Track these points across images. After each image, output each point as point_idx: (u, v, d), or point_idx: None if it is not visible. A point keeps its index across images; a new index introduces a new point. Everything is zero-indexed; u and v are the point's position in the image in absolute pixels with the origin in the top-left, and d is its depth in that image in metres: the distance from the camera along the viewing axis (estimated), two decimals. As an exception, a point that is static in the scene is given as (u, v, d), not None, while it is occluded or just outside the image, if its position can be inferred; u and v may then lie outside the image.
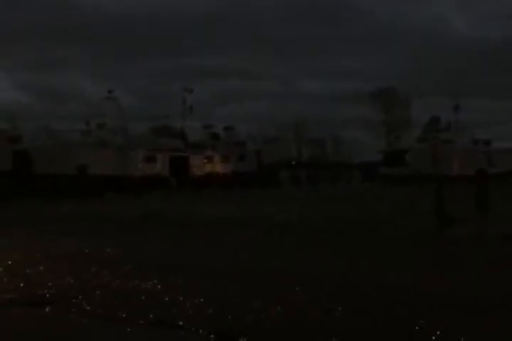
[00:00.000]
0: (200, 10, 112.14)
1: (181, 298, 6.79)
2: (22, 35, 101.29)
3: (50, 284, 7.78)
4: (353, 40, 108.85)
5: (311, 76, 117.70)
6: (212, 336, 5.39)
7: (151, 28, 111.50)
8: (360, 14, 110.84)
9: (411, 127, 76.77)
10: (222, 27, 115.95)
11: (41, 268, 9.17)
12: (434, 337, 5.17)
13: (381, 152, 61.14)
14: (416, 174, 48.93)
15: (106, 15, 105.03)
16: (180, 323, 5.77)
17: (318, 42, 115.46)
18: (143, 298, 6.95)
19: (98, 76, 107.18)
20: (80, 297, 7.00)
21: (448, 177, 33.36)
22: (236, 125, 63.95)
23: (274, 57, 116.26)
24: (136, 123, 50.67)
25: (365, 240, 13.07)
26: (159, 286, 7.60)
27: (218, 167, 55.40)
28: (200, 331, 5.52)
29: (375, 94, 78.39)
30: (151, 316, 6.03)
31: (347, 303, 6.41)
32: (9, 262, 9.80)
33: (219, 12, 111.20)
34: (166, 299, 6.83)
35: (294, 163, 71.70)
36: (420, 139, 59.38)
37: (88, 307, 6.52)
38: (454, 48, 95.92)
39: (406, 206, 22.07)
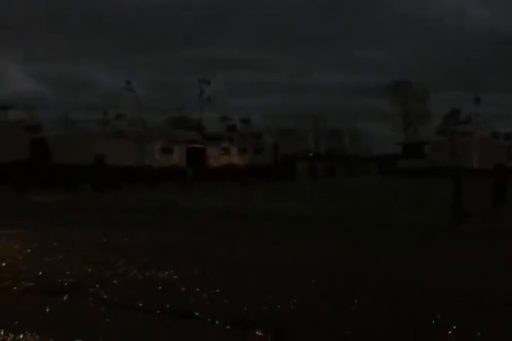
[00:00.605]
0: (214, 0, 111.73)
1: (197, 289, 6.82)
2: (36, 25, 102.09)
3: (68, 273, 7.86)
4: (370, 31, 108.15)
5: (327, 68, 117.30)
6: (227, 326, 5.42)
7: (165, 18, 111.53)
8: (377, 6, 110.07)
9: (429, 120, 76.31)
10: (237, 17, 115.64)
11: (59, 257, 9.26)
12: (450, 332, 5.14)
13: (399, 144, 60.83)
14: (434, 167, 48.61)
15: (120, 6, 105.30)
16: (196, 313, 5.80)
17: (333, 34, 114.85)
18: (159, 287, 6.99)
19: (112, 66, 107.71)
20: (98, 286, 7.06)
21: (467, 171, 33.01)
22: (251, 116, 63.92)
23: (289, 48, 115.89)
24: (150, 113, 50.74)
25: (377, 234, 13.00)
26: (175, 276, 7.64)
27: (235, 159, 55.45)
28: (216, 321, 5.55)
29: (392, 87, 77.93)
30: (168, 306, 6.06)
31: (356, 298, 6.39)
32: (28, 250, 9.92)
33: (234, 2, 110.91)
34: (183, 289, 6.86)
35: (311, 155, 71.60)
36: (439, 131, 58.99)
37: (105, 296, 6.58)
38: (475, 40, 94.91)
39: (422, 199, 21.93)
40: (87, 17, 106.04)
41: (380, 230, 13.66)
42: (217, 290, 6.73)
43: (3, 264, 8.60)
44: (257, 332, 5.20)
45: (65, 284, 7.24)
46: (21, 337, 4.98)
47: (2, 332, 5.07)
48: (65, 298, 6.62)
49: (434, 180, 37.35)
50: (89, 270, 8.12)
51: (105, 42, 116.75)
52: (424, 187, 32.66)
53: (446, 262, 9.25)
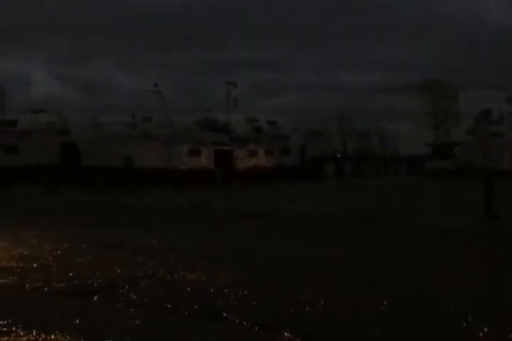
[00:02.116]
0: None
1: (226, 290, 6.83)
2: (56, 26, 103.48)
3: (97, 274, 7.94)
4: (395, 29, 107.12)
5: (352, 67, 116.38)
6: (256, 328, 5.41)
7: (186, 19, 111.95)
8: (404, 3, 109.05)
9: (460, 120, 75.22)
10: (260, 17, 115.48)
11: (89, 258, 9.36)
12: (481, 334, 5.08)
13: (429, 145, 60.15)
14: (464, 168, 47.97)
15: (141, 6, 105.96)
16: (225, 314, 5.80)
17: (358, 33, 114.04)
18: (188, 289, 7.02)
19: (133, 68, 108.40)
20: (127, 287, 7.12)
21: (498, 172, 32.48)
22: (277, 117, 63.78)
23: (314, 48, 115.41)
24: (174, 115, 50.78)
25: (402, 235, 12.83)
26: (204, 278, 7.66)
27: (262, 160, 55.47)
28: (244, 323, 5.54)
29: (422, 86, 77.01)
30: (196, 307, 6.08)
31: (386, 301, 6.33)
32: (58, 252, 10.04)
33: (255, 1, 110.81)
34: (211, 290, 6.88)
35: (338, 156, 71.25)
36: (470, 132, 58.00)
37: (134, 297, 6.62)
38: (505, 37, 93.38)
39: (453, 200, 21.64)
40: (106, 18, 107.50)
41: (406, 231, 13.50)
42: (245, 292, 6.73)
43: (35, 265, 8.72)
44: (285, 334, 5.19)
45: (95, 285, 7.31)
46: (52, 337, 5.04)
47: (34, 333, 5.14)
48: (95, 298, 6.69)
49: (464, 181, 36.79)
50: (118, 271, 8.19)
51: (127, 43, 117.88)
52: (454, 188, 32.21)
53: (465, 263, 9.16)
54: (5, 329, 5.29)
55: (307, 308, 5.97)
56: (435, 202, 21.27)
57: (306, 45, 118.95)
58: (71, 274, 7.97)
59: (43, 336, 5.05)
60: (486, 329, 5.18)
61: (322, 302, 6.20)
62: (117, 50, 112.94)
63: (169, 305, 6.21)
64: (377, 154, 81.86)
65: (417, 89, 76.65)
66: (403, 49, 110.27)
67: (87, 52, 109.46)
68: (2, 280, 7.60)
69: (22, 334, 5.13)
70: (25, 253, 9.93)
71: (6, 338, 5.01)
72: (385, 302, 6.14)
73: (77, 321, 5.68)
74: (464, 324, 5.38)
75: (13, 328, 5.30)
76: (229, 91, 59.90)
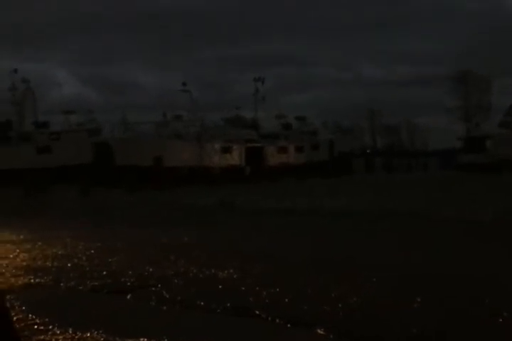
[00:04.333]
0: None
1: (257, 288, 6.84)
2: (77, 28, 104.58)
3: (130, 272, 8.02)
4: (422, 21, 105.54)
5: (379, 61, 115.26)
6: (288, 325, 5.41)
7: (210, 17, 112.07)
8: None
9: (492, 112, 73.87)
10: (284, 13, 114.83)
11: (122, 256, 9.46)
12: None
13: (460, 139, 59.29)
14: (498, 161, 47.19)
15: (163, 5, 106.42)
16: (257, 312, 5.81)
17: (382, 25, 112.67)
18: (220, 286, 7.05)
19: (156, 66, 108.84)
20: (160, 285, 7.18)
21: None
22: (303, 112, 63.55)
23: (338, 42, 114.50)
24: (200, 113, 51.01)
25: (430, 231, 12.62)
26: (236, 275, 7.68)
27: (292, 157, 55.41)
28: (277, 320, 5.55)
29: (453, 78, 75.78)
30: (228, 305, 6.10)
31: (421, 296, 6.27)
32: (92, 251, 10.17)
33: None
34: (243, 288, 6.90)
35: (368, 151, 70.77)
36: (502, 124, 56.96)
37: (167, 296, 6.67)
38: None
39: (482, 195, 21.34)
40: (130, 17, 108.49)
41: (434, 226, 13.29)
42: (277, 289, 6.73)
43: (69, 264, 8.86)
44: (318, 331, 5.18)
45: (128, 284, 7.39)
46: (88, 335, 5.11)
47: (70, 331, 5.22)
48: (129, 297, 6.76)
49: (497, 176, 36.27)
50: (151, 269, 8.26)
51: (152, 43, 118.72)
52: (486, 183, 31.75)
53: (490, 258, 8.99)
54: (42, 327, 5.38)
55: (340, 305, 5.94)
56: (464, 197, 20.96)
57: (330, 39, 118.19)
58: (104, 273, 8.07)
59: (79, 334, 5.12)
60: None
61: (354, 299, 6.16)
62: (143, 50, 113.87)
63: (201, 303, 6.24)
64: (407, 148, 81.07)
65: (448, 80, 75.48)
66: (429, 40, 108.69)
67: (113, 53, 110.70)
68: (38, 280, 7.73)
69: (58, 332, 5.21)
70: (59, 252, 10.09)
71: (42, 337, 5.09)
72: (414, 300, 6.07)
73: (112, 319, 5.75)
74: None
75: (50, 327, 5.38)
76: (257, 87, 59.96)
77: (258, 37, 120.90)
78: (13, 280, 7.60)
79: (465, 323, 5.29)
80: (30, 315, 5.76)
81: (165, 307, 6.20)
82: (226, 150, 48.81)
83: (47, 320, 5.59)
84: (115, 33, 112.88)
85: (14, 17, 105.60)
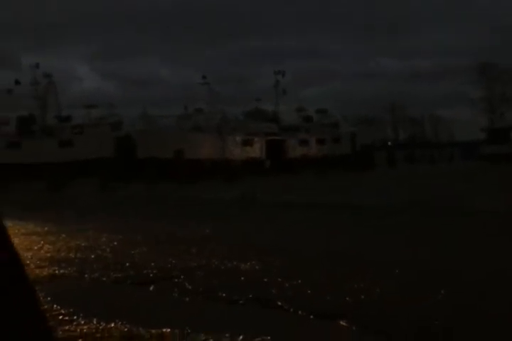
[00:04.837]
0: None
1: (279, 279, 6.84)
2: (97, 23, 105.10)
3: (152, 264, 8.07)
4: (441, 12, 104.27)
5: (397, 54, 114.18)
6: (311, 317, 5.40)
7: (230, 10, 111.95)
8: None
9: (516, 103, 72.77)
10: (304, 6, 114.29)
11: (144, 249, 9.53)
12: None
13: (484, 130, 58.60)
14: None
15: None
16: (279, 303, 5.81)
17: (403, 18, 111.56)
18: (242, 278, 7.06)
19: (175, 60, 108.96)
20: (182, 277, 7.22)
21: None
22: (323, 105, 63.18)
23: (357, 35, 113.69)
24: (220, 106, 51.02)
25: (451, 225, 12.46)
26: (257, 267, 7.69)
27: (313, 149, 55.22)
28: (300, 312, 5.54)
29: (476, 69, 74.78)
30: (250, 296, 6.11)
31: (441, 290, 6.22)
32: (115, 243, 10.26)
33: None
34: (265, 280, 6.90)
35: (390, 143, 70.29)
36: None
37: (190, 287, 6.71)
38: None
39: (508, 187, 21.07)
40: (148, 12, 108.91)
41: (455, 220, 13.11)
42: (299, 281, 6.73)
43: (92, 256, 8.94)
44: (341, 323, 5.17)
45: (151, 275, 7.45)
46: (112, 325, 5.15)
47: (94, 321, 5.27)
48: (151, 288, 6.81)
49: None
50: (173, 261, 8.30)
51: (172, 36, 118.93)
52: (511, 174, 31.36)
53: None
54: (66, 318, 5.44)
55: (363, 297, 5.93)
56: (488, 189, 20.71)
57: (350, 31, 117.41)
58: (127, 264, 8.14)
59: (103, 325, 5.17)
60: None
61: (378, 290, 6.14)
62: (162, 44, 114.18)
63: (223, 294, 6.26)
64: (430, 140, 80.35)
65: (470, 72, 74.56)
66: (450, 31, 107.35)
67: (133, 47, 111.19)
68: (62, 271, 7.82)
69: (83, 323, 5.26)
70: (83, 244, 10.19)
71: (67, 327, 5.15)
72: (432, 295, 6.03)
73: (135, 310, 5.80)
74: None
75: (74, 317, 5.44)
76: (277, 80, 59.76)
77: (277, 30, 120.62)
78: (37, 271, 7.69)
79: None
80: (55, 306, 5.83)
81: (187, 299, 6.24)
82: (247, 142, 48.83)
83: (71, 310, 5.65)
84: (135, 27, 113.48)
85: (36, 13, 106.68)
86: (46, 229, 12.61)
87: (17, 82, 51.17)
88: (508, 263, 7.66)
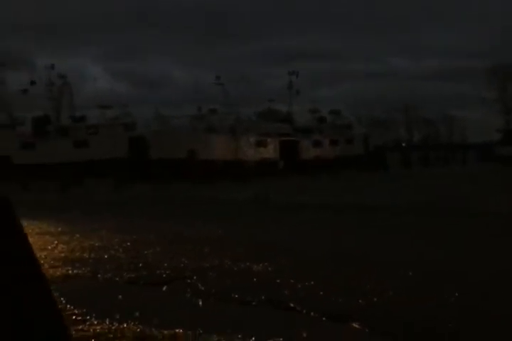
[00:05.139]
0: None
1: (292, 281, 6.83)
2: (111, 24, 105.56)
3: (165, 265, 8.09)
4: (454, 13, 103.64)
5: (412, 55, 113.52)
6: (323, 318, 5.39)
7: (239, 12, 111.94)
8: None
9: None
10: (316, 7, 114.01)
11: (157, 249, 9.55)
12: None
13: (499, 131, 58.18)
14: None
15: (198, 1, 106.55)
16: (292, 305, 5.80)
17: (415, 19, 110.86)
18: (254, 279, 7.06)
19: (186, 61, 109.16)
20: (195, 278, 7.22)
21: None
22: (336, 106, 62.96)
23: (371, 36, 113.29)
24: (233, 107, 50.99)
25: (457, 225, 12.36)
26: (270, 268, 7.68)
27: (327, 150, 55.10)
28: (312, 313, 5.53)
29: (490, 70, 74.17)
30: (263, 297, 6.11)
31: (446, 291, 6.18)
32: (128, 243, 10.29)
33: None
34: (278, 281, 6.89)
35: (404, 144, 69.93)
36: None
37: (202, 288, 6.71)
38: None
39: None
40: (158, 13, 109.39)
41: (463, 222, 13.00)
42: (312, 282, 6.71)
43: (105, 256, 8.98)
44: (353, 324, 5.15)
45: (164, 275, 7.46)
46: (125, 325, 5.17)
47: (107, 321, 5.29)
48: (164, 288, 6.82)
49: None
50: (186, 262, 8.31)
51: (184, 37, 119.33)
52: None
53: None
54: (80, 318, 5.46)
55: (375, 299, 5.90)
56: (503, 191, 20.54)
57: (363, 33, 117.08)
58: (140, 265, 8.16)
59: (116, 325, 5.19)
60: None
61: (391, 293, 6.11)
62: (176, 45, 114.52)
63: (236, 296, 6.26)
64: (444, 142, 79.80)
65: (484, 73, 73.97)
66: (462, 33, 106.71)
67: (145, 48, 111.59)
68: (76, 271, 7.86)
69: (96, 323, 5.28)
70: (96, 244, 10.23)
71: (80, 327, 5.17)
72: (441, 297, 5.99)
73: (148, 311, 5.81)
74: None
75: (88, 317, 5.46)
76: (291, 81, 59.67)
77: (290, 31, 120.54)
78: (51, 271, 7.73)
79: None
80: (68, 306, 5.86)
81: (200, 299, 6.24)
82: (260, 143, 48.80)
83: (85, 310, 5.67)
84: (148, 28, 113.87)
85: (50, 15, 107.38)
86: (60, 229, 12.68)
87: (32, 83, 51.55)
88: (510, 264, 7.61)
